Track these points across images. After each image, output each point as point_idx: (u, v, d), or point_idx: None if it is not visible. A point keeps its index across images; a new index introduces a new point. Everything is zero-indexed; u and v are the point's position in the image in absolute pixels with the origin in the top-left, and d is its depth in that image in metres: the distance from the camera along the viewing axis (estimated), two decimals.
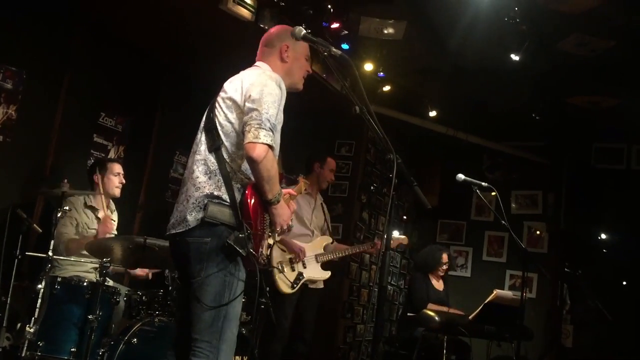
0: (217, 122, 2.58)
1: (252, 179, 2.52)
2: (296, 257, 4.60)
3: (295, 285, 4.55)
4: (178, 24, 4.78)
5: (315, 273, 4.73)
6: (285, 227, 2.64)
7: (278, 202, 2.54)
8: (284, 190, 2.89)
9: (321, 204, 5.03)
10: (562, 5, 4.37)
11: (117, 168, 4.33)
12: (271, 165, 2.44)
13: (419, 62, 5.91)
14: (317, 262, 4.75)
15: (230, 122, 2.55)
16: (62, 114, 4.66)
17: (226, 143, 2.54)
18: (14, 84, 4.26)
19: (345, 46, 5.06)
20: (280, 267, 4.50)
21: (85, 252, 3.91)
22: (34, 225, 3.70)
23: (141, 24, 4.84)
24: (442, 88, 6.27)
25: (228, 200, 2.48)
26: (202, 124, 2.67)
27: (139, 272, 4.30)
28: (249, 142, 2.41)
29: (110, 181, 4.28)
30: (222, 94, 2.64)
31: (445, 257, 5.77)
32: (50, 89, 4.60)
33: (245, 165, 2.52)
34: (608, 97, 6.07)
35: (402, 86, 6.13)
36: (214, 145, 2.55)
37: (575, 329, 7.00)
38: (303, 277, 4.60)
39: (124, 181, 4.34)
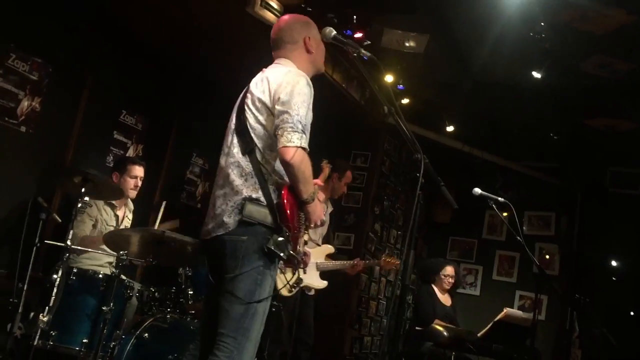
0: (248, 124, 2.59)
1: (286, 179, 2.54)
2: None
3: (293, 289, 4.51)
4: (201, 27, 4.83)
5: (313, 280, 4.70)
6: (319, 222, 2.67)
7: (313, 200, 2.57)
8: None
9: (329, 213, 5.03)
10: (586, 25, 4.38)
11: (136, 171, 4.34)
12: (306, 167, 2.47)
13: (438, 76, 5.94)
14: (317, 270, 4.73)
15: (262, 124, 2.57)
16: (84, 109, 4.72)
17: (259, 145, 2.56)
18: (40, 76, 4.32)
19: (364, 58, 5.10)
20: (282, 269, 4.47)
21: (101, 247, 3.94)
22: (54, 214, 3.72)
23: (163, 26, 4.89)
24: (460, 103, 6.28)
25: (265, 201, 2.51)
26: (232, 126, 2.68)
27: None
28: (282, 146, 2.42)
29: (127, 182, 4.31)
30: (249, 95, 2.65)
31: (449, 269, 5.69)
32: (74, 84, 4.66)
33: (279, 166, 2.54)
34: (626, 120, 6.05)
35: (420, 99, 6.15)
36: (248, 148, 2.56)
37: (583, 353, 6.92)
38: (302, 282, 4.55)
39: (139, 184, 4.36)
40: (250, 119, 2.59)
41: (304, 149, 2.44)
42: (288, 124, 2.43)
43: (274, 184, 2.55)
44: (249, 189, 2.52)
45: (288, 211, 2.50)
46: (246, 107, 2.63)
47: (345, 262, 4.96)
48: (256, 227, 2.49)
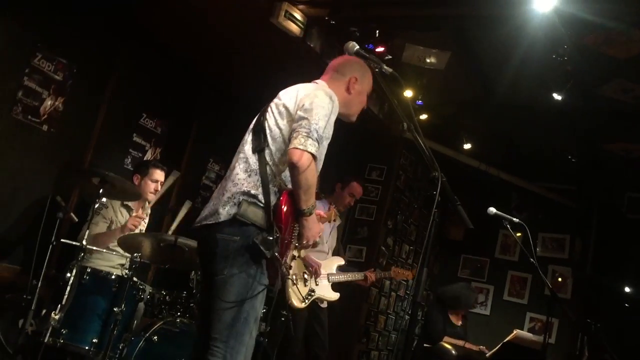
0: (266, 125, 2.61)
1: (290, 186, 2.52)
2: (312, 272, 4.58)
3: (306, 300, 4.51)
4: (225, 36, 4.87)
5: (325, 292, 4.68)
6: (311, 242, 2.63)
7: (311, 214, 2.54)
8: (316, 211, 2.90)
9: (337, 226, 5.02)
10: (610, 49, 4.37)
11: (158, 175, 4.39)
12: (311, 175, 2.44)
13: (458, 93, 5.94)
14: (329, 281, 4.72)
15: (279, 128, 2.58)
16: (105, 111, 4.78)
17: (271, 146, 2.57)
18: (64, 77, 4.39)
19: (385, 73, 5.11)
20: (294, 280, 4.48)
21: (114, 247, 3.98)
22: (71, 214, 3.76)
23: (187, 34, 4.95)
24: (478, 122, 6.27)
25: (263, 201, 2.49)
26: (251, 126, 2.71)
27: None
28: (293, 148, 2.42)
29: (147, 185, 4.35)
30: (276, 100, 2.68)
31: (475, 303, 5.69)
32: (97, 86, 4.72)
33: (286, 173, 2.53)
34: None
35: (438, 116, 6.15)
36: (259, 147, 2.57)
37: None
38: (314, 294, 4.56)
39: (159, 189, 4.40)
40: (270, 120, 2.61)
41: (313, 156, 2.43)
42: (304, 129, 2.44)
43: (277, 186, 2.53)
44: (249, 184, 2.51)
45: (283, 215, 2.47)
46: (269, 109, 2.66)
47: (357, 274, 4.94)
48: (249, 228, 2.46)
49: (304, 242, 2.61)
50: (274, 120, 2.61)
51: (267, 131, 2.59)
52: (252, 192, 2.50)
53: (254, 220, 2.46)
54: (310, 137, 2.43)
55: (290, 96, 2.63)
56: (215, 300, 2.46)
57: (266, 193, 2.49)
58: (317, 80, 2.80)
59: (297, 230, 2.58)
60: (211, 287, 2.50)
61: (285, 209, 2.49)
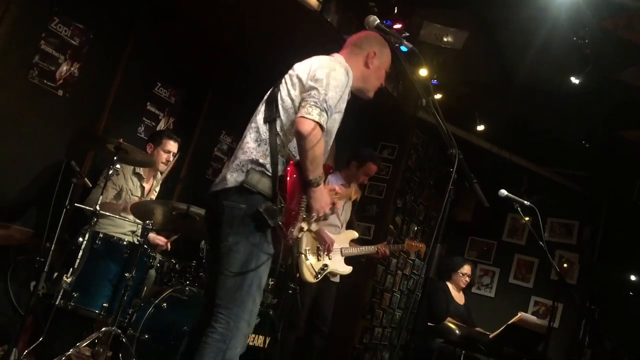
0: (279, 96, 2.61)
1: (298, 157, 2.52)
2: (325, 247, 4.59)
3: (319, 275, 4.53)
4: (242, 7, 4.84)
5: (338, 266, 4.70)
6: (321, 213, 2.62)
7: (318, 185, 2.53)
8: (330, 185, 2.90)
9: (353, 200, 5.00)
10: (630, 34, 4.30)
11: (171, 146, 4.40)
12: (317, 144, 2.43)
13: (473, 74, 5.89)
14: (342, 255, 4.74)
15: (292, 99, 2.58)
16: (120, 78, 4.77)
17: (282, 117, 2.57)
18: (81, 42, 4.38)
19: (403, 48, 5.07)
20: (306, 255, 4.51)
21: (126, 214, 4.01)
22: (85, 179, 3.78)
23: (205, 3, 4.90)
24: (492, 103, 6.22)
25: (270, 170, 2.50)
26: (265, 97, 2.70)
27: (159, 240, 4.29)
28: (300, 116, 2.42)
29: (160, 155, 4.38)
30: (290, 71, 2.67)
31: (467, 267, 5.68)
32: (112, 53, 4.71)
33: (294, 144, 2.52)
34: None
35: (453, 96, 6.10)
36: (270, 117, 2.57)
37: None
38: (327, 268, 4.58)
39: (171, 160, 4.41)
40: (283, 91, 2.61)
41: (321, 126, 2.42)
42: (313, 99, 2.44)
43: (285, 156, 2.54)
44: (259, 153, 2.52)
45: (289, 185, 2.47)
46: (283, 80, 2.66)
47: (370, 247, 4.94)
48: (255, 197, 2.47)
49: (314, 214, 2.61)
50: (287, 90, 2.60)
51: (280, 102, 2.59)
52: (261, 160, 2.51)
53: (260, 189, 2.47)
54: (318, 107, 2.42)
55: (304, 67, 2.62)
56: (220, 267, 2.49)
57: (274, 162, 2.50)
58: (334, 54, 2.78)
59: (306, 202, 2.58)
60: (216, 254, 2.53)
61: (291, 179, 2.48)
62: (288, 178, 2.47)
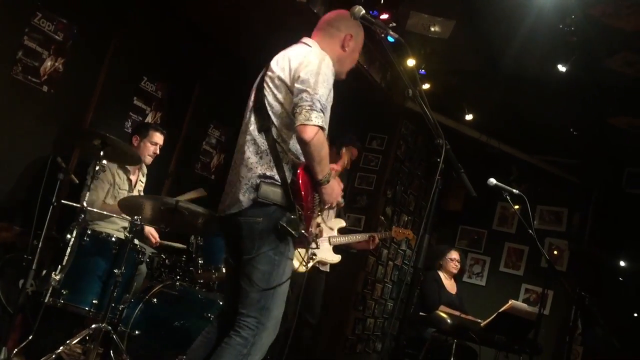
0: (266, 102, 2.58)
1: (302, 158, 2.53)
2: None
3: (308, 264, 4.52)
4: None
5: (327, 255, 4.71)
6: (334, 204, 2.67)
7: (328, 182, 2.56)
8: (330, 166, 2.90)
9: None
10: (617, 21, 4.31)
11: (157, 138, 4.37)
12: (322, 147, 2.44)
13: (461, 63, 5.88)
14: (330, 244, 4.74)
15: (280, 102, 2.55)
16: (106, 73, 4.73)
17: (276, 123, 2.55)
18: (65, 37, 4.33)
19: (390, 39, 5.06)
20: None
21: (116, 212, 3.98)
22: (71, 175, 3.75)
23: None
24: (481, 92, 6.22)
25: (279, 180, 2.50)
26: (251, 104, 2.67)
27: (151, 236, 4.28)
28: (300, 124, 2.40)
29: (146, 148, 4.35)
30: (269, 73, 2.62)
31: (454, 253, 5.71)
32: (97, 48, 4.67)
33: (295, 145, 2.52)
34: None
35: (441, 86, 6.10)
36: (264, 126, 2.55)
37: (585, 350, 6.93)
38: (315, 257, 4.57)
39: (158, 152, 4.39)
40: (269, 97, 2.58)
41: (321, 128, 2.42)
42: (306, 102, 2.41)
43: (289, 162, 2.53)
44: (263, 166, 2.51)
45: (302, 190, 2.49)
46: (265, 85, 2.61)
47: (357, 236, 4.95)
48: (271, 208, 2.49)
49: (327, 207, 2.67)
50: (273, 95, 2.57)
51: (269, 108, 2.56)
52: (268, 173, 2.51)
53: (274, 200, 2.49)
54: (314, 110, 2.40)
55: (283, 67, 2.58)
56: (244, 279, 2.51)
57: (281, 171, 2.51)
58: (307, 40, 2.73)
59: (318, 199, 2.62)
60: (240, 266, 2.55)
61: (303, 185, 2.51)
62: (300, 183, 2.49)
